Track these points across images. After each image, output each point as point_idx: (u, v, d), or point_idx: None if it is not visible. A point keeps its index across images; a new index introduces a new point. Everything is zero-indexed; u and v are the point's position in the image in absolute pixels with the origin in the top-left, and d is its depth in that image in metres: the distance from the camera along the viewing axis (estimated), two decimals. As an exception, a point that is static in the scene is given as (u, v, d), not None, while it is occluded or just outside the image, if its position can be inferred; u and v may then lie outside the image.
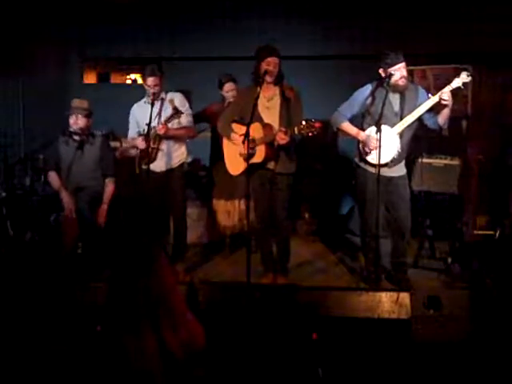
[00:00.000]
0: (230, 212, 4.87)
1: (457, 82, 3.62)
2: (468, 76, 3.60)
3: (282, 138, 3.64)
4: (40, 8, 5.91)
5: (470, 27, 5.47)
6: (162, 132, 4.10)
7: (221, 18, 6.00)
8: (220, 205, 4.89)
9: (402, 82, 3.71)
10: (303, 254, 4.80)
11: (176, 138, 4.27)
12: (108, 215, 4.37)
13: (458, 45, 5.47)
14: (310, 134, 3.54)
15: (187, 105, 4.30)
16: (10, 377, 2.74)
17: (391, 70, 3.69)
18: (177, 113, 4.14)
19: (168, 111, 4.21)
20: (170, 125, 4.16)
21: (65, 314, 3.13)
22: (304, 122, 3.54)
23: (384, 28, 5.62)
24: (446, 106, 3.65)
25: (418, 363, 2.85)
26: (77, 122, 4.37)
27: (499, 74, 5.61)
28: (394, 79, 3.71)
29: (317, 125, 3.51)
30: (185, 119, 4.25)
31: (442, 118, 3.73)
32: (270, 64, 3.77)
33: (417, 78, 5.55)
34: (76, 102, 4.44)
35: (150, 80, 4.16)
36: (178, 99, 4.26)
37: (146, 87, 4.20)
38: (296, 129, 3.58)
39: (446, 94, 3.60)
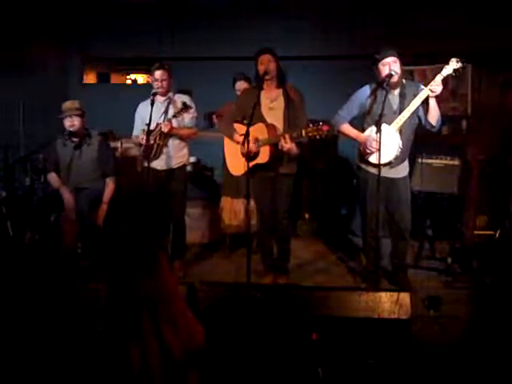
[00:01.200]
0: (236, 211, 4.87)
1: (447, 70, 3.59)
2: (458, 62, 3.55)
3: (284, 145, 3.65)
4: (40, 8, 5.91)
5: (471, 27, 5.47)
6: (166, 129, 4.09)
7: (221, 18, 6.01)
8: (227, 202, 4.89)
9: (392, 79, 3.66)
10: (303, 254, 4.80)
11: (179, 138, 4.26)
12: (107, 215, 4.37)
13: (458, 45, 5.47)
14: (317, 137, 3.54)
15: (193, 107, 4.29)
16: (10, 377, 2.74)
17: (380, 65, 3.69)
18: (186, 108, 4.11)
19: (173, 112, 4.18)
20: (175, 122, 4.14)
21: (65, 314, 3.12)
22: (311, 125, 3.54)
23: (384, 28, 5.62)
24: (434, 95, 3.62)
25: (418, 363, 2.85)
26: (73, 123, 4.36)
27: (499, 74, 5.60)
28: (383, 75, 3.69)
29: (325, 128, 3.50)
30: (189, 120, 4.24)
31: (431, 116, 3.70)
32: (262, 62, 3.79)
33: (417, 78, 5.55)
34: (68, 104, 4.42)
35: (158, 73, 4.13)
36: (187, 100, 4.25)
37: (154, 83, 4.17)
38: (304, 131, 3.58)
39: (435, 83, 3.57)
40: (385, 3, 5.66)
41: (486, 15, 5.45)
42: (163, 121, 4.14)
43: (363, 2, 5.73)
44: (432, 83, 3.60)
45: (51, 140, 4.54)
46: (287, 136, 3.64)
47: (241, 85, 4.69)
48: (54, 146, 4.48)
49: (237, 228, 4.87)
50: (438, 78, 3.60)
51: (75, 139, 4.41)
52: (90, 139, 4.45)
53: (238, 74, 4.75)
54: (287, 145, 3.64)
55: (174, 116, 4.11)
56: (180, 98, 4.26)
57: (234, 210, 4.86)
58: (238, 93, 4.71)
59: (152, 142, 4.08)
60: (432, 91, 3.60)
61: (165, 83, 4.16)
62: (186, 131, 4.26)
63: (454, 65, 3.57)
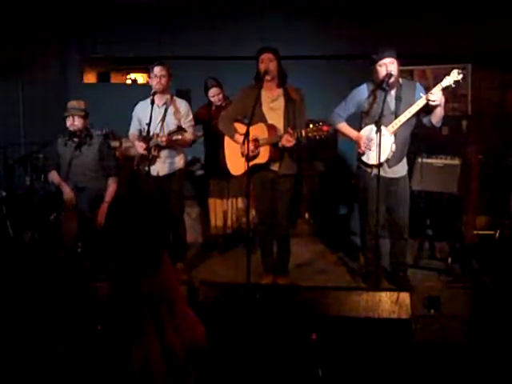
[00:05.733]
0: (225, 211, 4.88)
1: (447, 81, 3.56)
2: (459, 74, 3.53)
3: (288, 141, 3.65)
4: (40, 8, 5.90)
5: (470, 27, 5.47)
6: (163, 144, 4.07)
7: (221, 18, 6.01)
8: (217, 204, 4.90)
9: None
10: (303, 254, 4.80)
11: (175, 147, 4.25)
12: (108, 215, 4.37)
13: (458, 45, 5.47)
14: (317, 138, 3.55)
15: (191, 116, 4.26)
16: (10, 377, 2.74)
17: (377, 65, 3.69)
18: (180, 130, 4.06)
19: (171, 119, 4.17)
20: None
21: (65, 314, 3.13)
22: (311, 125, 3.55)
23: (384, 28, 5.62)
24: (436, 105, 3.61)
25: (418, 363, 2.85)
26: (73, 123, 4.37)
27: (499, 73, 5.61)
28: (380, 75, 3.69)
29: (325, 128, 3.52)
30: (187, 128, 4.20)
31: (435, 116, 3.69)
32: (263, 61, 3.79)
33: (417, 78, 5.56)
34: (72, 103, 4.43)
35: (158, 69, 4.09)
36: (184, 109, 4.22)
37: (153, 79, 4.12)
38: (304, 132, 3.59)
39: (433, 94, 3.56)
40: (385, 3, 5.66)
41: (486, 16, 5.45)
42: (160, 127, 4.13)
43: (363, 1, 5.73)
44: (430, 94, 3.58)
45: (51, 139, 4.55)
46: (289, 132, 3.65)
47: (214, 91, 4.73)
48: (55, 145, 4.50)
49: (229, 228, 4.89)
50: (438, 88, 3.57)
51: (75, 139, 4.42)
52: (91, 140, 4.46)
53: (209, 80, 4.76)
54: (289, 143, 3.65)
55: (169, 135, 4.07)
56: (178, 103, 4.23)
57: (224, 211, 4.89)
58: (212, 99, 4.76)
59: (147, 151, 4.06)
60: (430, 100, 3.58)
61: (163, 80, 4.12)
62: (182, 142, 4.21)
63: (454, 76, 3.54)
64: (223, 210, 4.90)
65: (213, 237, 5.04)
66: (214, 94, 4.73)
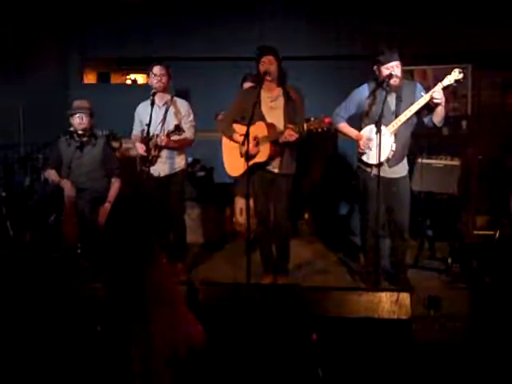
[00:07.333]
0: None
1: (448, 80, 3.58)
2: (460, 73, 3.55)
3: (290, 135, 3.65)
4: (40, 8, 5.91)
5: (470, 27, 5.47)
6: (163, 144, 4.08)
7: (221, 18, 6.01)
8: (240, 202, 4.89)
9: (393, 82, 3.68)
10: (303, 254, 4.80)
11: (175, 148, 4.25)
12: (110, 214, 4.37)
13: (458, 45, 5.47)
14: (319, 130, 3.56)
15: (192, 116, 4.25)
16: (10, 377, 2.74)
17: (383, 68, 3.69)
18: (178, 130, 4.06)
19: (171, 119, 4.16)
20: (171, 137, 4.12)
21: (64, 314, 3.12)
22: (313, 118, 3.56)
23: (384, 28, 5.62)
24: (438, 104, 3.62)
25: (418, 363, 2.85)
26: (82, 122, 4.38)
27: (499, 74, 5.61)
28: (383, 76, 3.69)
29: (326, 120, 3.54)
30: (187, 129, 4.18)
31: (437, 116, 3.70)
32: (264, 63, 3.79)
33: (417, 78, 5.55)
34: (78, 103, 4.44)
35: (157, 68, 4.10)
36: (184, 109, 4.21)
37: (153, 79, 4.12)
38: (306, 125, 3.60)
39: (436, 92, 3.58)
40: (385, 3, 5.66)
41: (486, 16, 5.45)
42: (161, 128, 4.12)
43: (363, 2, 5.73)
44: (433, 93, 3.58)
45: (52, 140, 4.55)
46: (291, 127, 3.65)
47: (247, 85, 4.70)
48: (57, 145, 4.49)
49: (245, 227, 4.89)
50: (438, 87, 3.59)
51: (80, 138, 4.42)
52: (96, 140, 4.47)
53: (247, 74, 4.76)
54: (292, 137, 3.64)
55: (168, 135, 4.06)
56: (179, 103, 4.23)
57: (244, 210, 4.87)
58: None
59: (148, 151, 4.06)
60: (434, 98, 3.59)
61: (164, 79, 4.12)
62: (183, 142, 4.20)
63: (455, 75, 3.57)
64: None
65: (220, 235, 5.05)
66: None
